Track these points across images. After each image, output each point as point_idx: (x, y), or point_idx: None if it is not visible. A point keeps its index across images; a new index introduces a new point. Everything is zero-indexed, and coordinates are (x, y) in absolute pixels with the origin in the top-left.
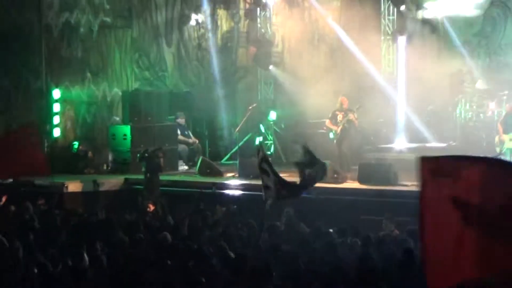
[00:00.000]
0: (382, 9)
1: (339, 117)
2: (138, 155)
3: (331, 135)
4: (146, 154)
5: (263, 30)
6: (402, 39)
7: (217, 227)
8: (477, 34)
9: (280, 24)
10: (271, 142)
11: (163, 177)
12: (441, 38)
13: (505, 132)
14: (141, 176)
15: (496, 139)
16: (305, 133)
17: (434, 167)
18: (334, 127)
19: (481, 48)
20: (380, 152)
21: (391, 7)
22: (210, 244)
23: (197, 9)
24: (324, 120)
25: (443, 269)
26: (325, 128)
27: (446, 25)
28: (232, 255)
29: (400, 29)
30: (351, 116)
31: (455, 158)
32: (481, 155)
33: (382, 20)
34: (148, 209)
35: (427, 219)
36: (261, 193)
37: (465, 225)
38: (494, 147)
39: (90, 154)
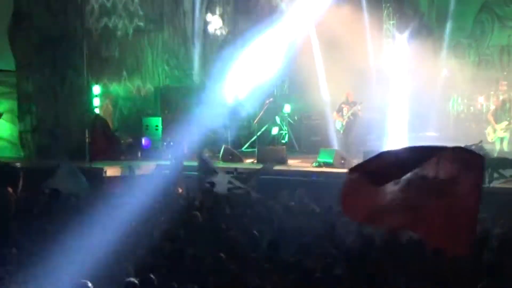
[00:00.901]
0: (385, 14)
1: (345, 110)
2: (165, 143)
3: (338, 126)
4: (172, 143)
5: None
6: (402, 41)
7: (238, 207)
8: (468, 37)
9: (293, 28)
10: (286, 132)
11: (189, 163)
12: (436, 40)
13: (496, 123)
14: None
15: (488, 129)
16: (315, 124)
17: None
18: (340, 119)
19: (471, 49)
20: (382, 141)
21: (392, 14)
22: (233, 222)
23: (220, 15)
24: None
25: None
26: (333, 119)
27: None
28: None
29: (400, 32)
30: (355, 109)
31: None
32: (470, 142)
33: (385, 25)
34: (178, 192)
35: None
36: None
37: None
38: (482, 135)
39: (126, 142)
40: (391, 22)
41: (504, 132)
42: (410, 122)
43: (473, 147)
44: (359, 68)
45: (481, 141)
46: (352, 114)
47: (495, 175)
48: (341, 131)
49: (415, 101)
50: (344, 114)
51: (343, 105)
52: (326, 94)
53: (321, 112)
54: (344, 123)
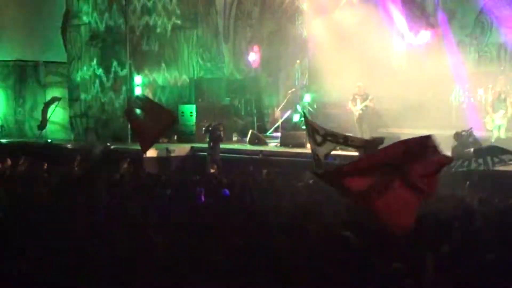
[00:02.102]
0: (395, 14)
1: (359, 101)
2: (204, 128)
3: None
4: (210, 128)
5: (299, 31)
6: (410, 38)
7: (262, 184)
8: (469, 35)
9: (313, 26)
10: None
11: (223, 146)
12: (440, 37)
13: (494, 112)
14: (203, 145)
15: (487, 118)
16: (332, 112)
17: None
18: (354, 109)
19: (472, 46)
20: (390, 128)
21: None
22: (259, 196)
23: (248, 14)
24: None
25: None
26: (347, 109)
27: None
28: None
29: (408, 30)
30: (368, 101)
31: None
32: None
33: (395, 23)
34: (211, 171)
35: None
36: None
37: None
38: (482, 124)
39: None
40: (401, 21)
41: (501, 120)
42: (416, 111)
43: (463, 133)
44: (372, 61)
45: (471, 128)
46: (365, 106)
47: (496, 159)
48: (355, 120)
49: (421, 93)
50: (358, 104)
51: (356, 96)
52: (341, 86)
53: (337, 102)
54: (357, 114)
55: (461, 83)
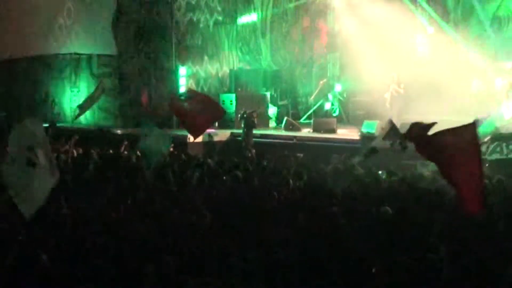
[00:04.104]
0: (418, 10)
1: (392, 87)
2: (239, 115)
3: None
4: (245, 115)
5: (331, 26)
6: (432, 33)
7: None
8: (487, 30)
9: (343, 20)
10: (337, 107)
11: (257, 131)
12: (461, 32)
13: (509, 100)
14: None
15: (503, 108)
16: (361, 101)
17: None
18: (388, 94)
19: (490, 40)
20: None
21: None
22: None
23: (284, 10)
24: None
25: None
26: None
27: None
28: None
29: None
30: (398, 87)
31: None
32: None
33: (417, 19)
34: (249, 155)
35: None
36: (328, 143)
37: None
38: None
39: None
40: (424, 17)
41: None
42: (438, 99)
43: (483, 120)
44: (397, 52)
45: (490, 115)
46: (396, 91)
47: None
48: (387, 104)
49: (443, 81)
50: (391, 90)
51: (391, 85)
52: (369, 75)
53: (365, 91)
54: (388, 97)
55: (481, 73)
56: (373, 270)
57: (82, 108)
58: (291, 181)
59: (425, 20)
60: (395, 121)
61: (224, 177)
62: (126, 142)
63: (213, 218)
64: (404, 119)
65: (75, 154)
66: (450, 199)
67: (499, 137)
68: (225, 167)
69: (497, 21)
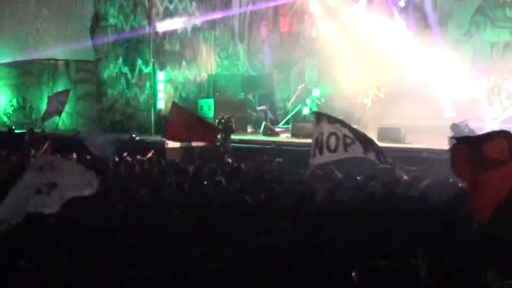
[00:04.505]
0: (396, 15)
1: (372, 92)
2: (216, 120)
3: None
4: (222, 120)
5: (309, 31)
6: (411, 37)
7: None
8: (465, 34)
9: (321, 26)
10: None
11: (235, 137)
12: (439, 37)
13: (490, 105)
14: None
15: (484, 111)
16: (339, 106)
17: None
18: (368, 99)
19: (467, 44)
20: (393, 119)
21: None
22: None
23: (262, 16)
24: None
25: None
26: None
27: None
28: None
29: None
30: (379, 92)
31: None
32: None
33: (397, 23)
34: (228, 160)
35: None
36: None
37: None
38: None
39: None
40: (401, 22)
41: (497, 112)
42: (416, 104)
43: (459, 124)
44: (374, 58)
45: (466, 120)
46: (377, 96)
47: None
48: (367, 108)
49: (420, 86)
50: (370, 94)
51: (369, 91)
52: (347, 80)
53: (343, 96)
54: (370, 103)
55: (458, 78)
56: (353, 274)
57: (47, 114)
58: (273, 185)
59: (403, 24)
60: (373, 125)
61: (205, 182)
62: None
63: (193, 224)
64: (382, 124)
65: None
66: (429, 204)
67: None
68: (204, 172)
69: (475, 25)
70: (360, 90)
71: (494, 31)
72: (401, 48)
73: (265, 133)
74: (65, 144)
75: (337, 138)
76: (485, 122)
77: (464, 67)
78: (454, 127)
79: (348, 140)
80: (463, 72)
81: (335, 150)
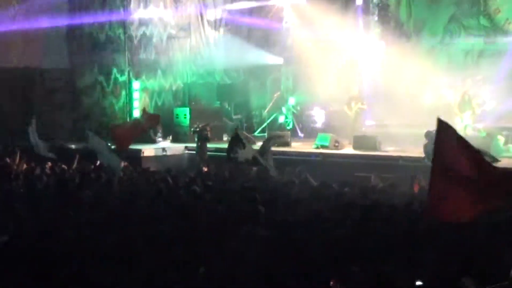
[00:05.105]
0: (371, 24)
1: (353, 104)
2: (192, 129)
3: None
4: (198, 128)
5: (284, 39)
6: (385, 45)
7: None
8: (439, 42)
9: (297, 34)
10: (290, 120)
11: (211, 145)
12: (413, 45)
13: (461, 113)
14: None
15: (456, 119)
16: (314, 113)
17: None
18: (349, 111)
19: (442, 52)
20: (369, 127)
21: (377, 23)
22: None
23: (237, 25)
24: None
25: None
26: (345, 110)
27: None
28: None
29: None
30: (362, 104)
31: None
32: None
33: (371, 32)
34: (204, 169)
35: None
36: (282, 157)
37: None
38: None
39: (159, 128)
40: (376, 30)
41: (468, 119)
42: (391, 112)
43: (433, 132)
44: (350, 66)
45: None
46: (359, 108)
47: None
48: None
49: (395, 94)
50: (352, 107)
51: (351, 101)
52: (323, 88)
53: (319, 104)
54: (352, 115)
55: (433, 86)
56: (331, 283)
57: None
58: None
59: (377, 33)
60: (348, 132)
61: (181, 192)
62: (77, 157)
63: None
64: (357, 131)
65: (23, 168)
66: (402, 212)
67: None
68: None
69: (449, 34)
70: (335, 98)
71: (468, 39)
72: (375, 56)
73: None
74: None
75: None
76: (458, 129)
77: (438, 75)
78: (428, 134)
79: None
80: (437, 79)
81: None
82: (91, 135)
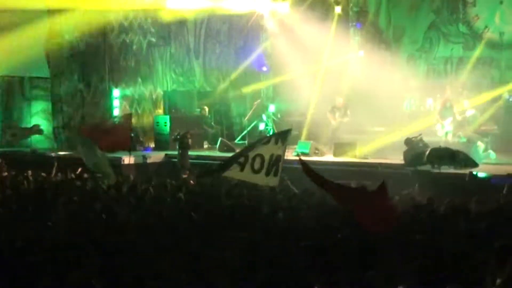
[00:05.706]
0: (351, 32)
1: (337, 113)
2: (172, 137)
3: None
4: (178, 136)
5: (264, 47)
6: (364, 52)
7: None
8: (419, 50)
9: (277, 42)
10: (271, 128)
11: (192, 153)
12: (393, 52)
13: (442, 119)
14: (177, 152)
15: (437, 126)
16: (295, 121)
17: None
18: (333, 120)
19: (421, 59)
20: (350, 134)
21: (357, 31)
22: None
23: (217, 32)
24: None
25: None
26: (328, 117)
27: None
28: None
29: (363, 46)
30: (345, 113)
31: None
32: (422, 134)
33: (351, 40)
34: (184, 176)
35: None
36: None
37: None
38: (432, 131)
39: (140, 136)
40: (356, 38)
41: (449, 126)
42: (371, 119)
43: (413, 139)
44: (329, 73)
45: (420, 134)
46: (343, 120)
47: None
48: (332, 129)
49: (376, 102)
50: (337, 116)
51: (335, 109)
52: (302, 96)
53: (299, 111)
54: (335, 124)
55: (412, 93)
56: None
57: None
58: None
59: (357, 41)
60: (328, 137)
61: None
62: (56, 165)
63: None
64: (337, 138)
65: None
66: None
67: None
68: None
69: (429, 41)
70: (315, 105)
71: (448, 46)
72: (355, 63)
73: (221, 149)
74: (19, 161)
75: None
76: (439, 136)
77: (418, 82)
78: (408, 141)
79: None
80: (417, 87)
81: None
82: (80, 142)
